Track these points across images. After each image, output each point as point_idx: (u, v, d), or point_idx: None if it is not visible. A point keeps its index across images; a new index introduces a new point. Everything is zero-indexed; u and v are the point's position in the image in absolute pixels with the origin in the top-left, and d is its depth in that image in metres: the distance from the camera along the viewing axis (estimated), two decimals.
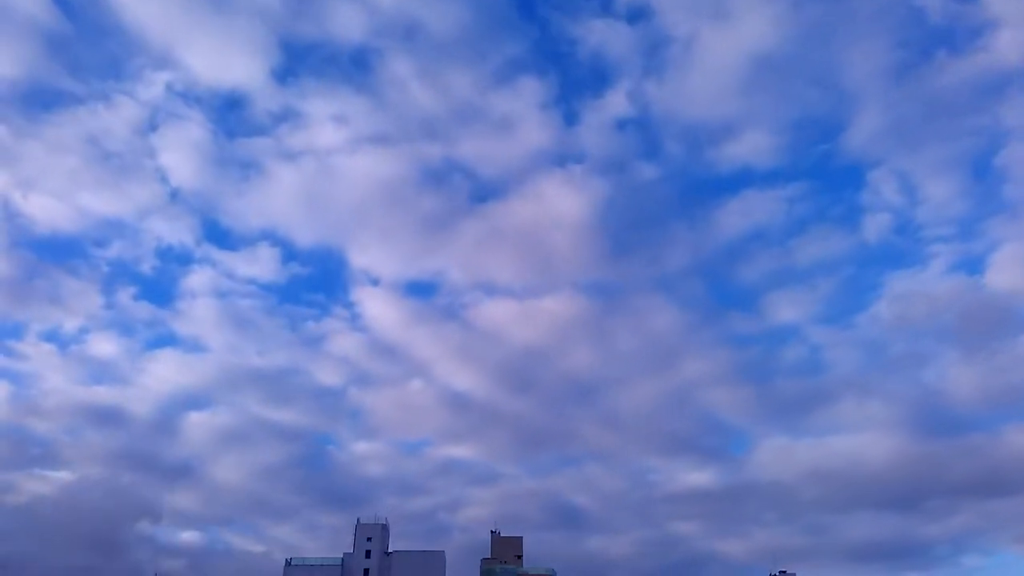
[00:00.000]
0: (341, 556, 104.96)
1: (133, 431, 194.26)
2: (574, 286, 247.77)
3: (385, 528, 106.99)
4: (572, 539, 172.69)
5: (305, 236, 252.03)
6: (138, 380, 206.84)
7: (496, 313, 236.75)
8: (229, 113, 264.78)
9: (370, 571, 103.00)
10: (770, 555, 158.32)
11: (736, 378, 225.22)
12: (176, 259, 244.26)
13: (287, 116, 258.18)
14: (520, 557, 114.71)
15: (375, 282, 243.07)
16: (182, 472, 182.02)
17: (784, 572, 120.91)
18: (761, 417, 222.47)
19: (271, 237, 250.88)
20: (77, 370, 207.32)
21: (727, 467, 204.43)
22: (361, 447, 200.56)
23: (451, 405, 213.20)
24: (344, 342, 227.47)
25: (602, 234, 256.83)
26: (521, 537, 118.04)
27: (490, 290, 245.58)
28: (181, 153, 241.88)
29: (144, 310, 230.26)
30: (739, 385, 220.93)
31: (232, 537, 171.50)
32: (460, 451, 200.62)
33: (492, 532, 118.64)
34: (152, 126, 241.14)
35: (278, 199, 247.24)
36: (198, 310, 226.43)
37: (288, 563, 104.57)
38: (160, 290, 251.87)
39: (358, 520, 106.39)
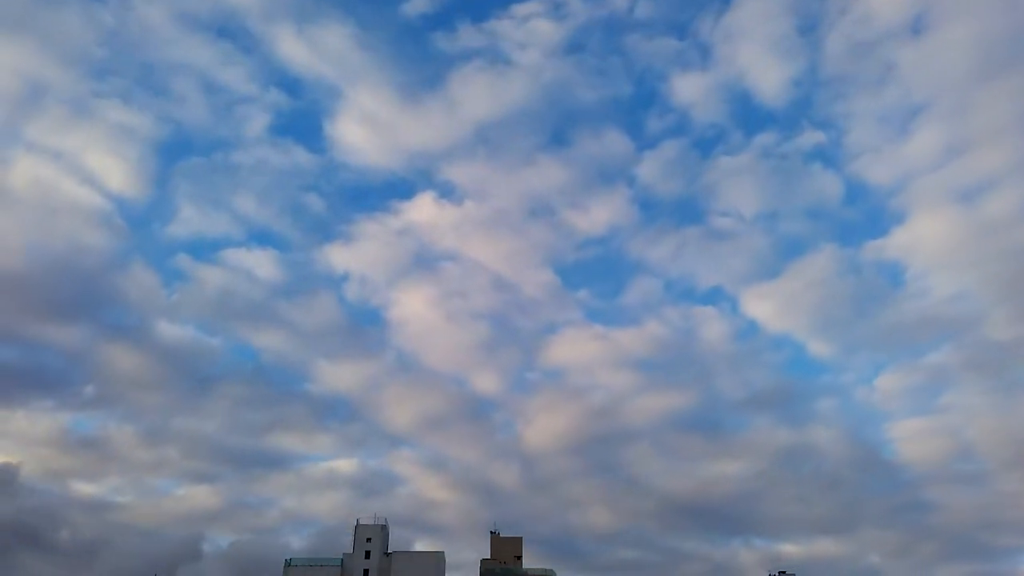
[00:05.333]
0: (341, 556, 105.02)
1: None
2: None
3: (385, 528, 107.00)
4: None
5: None
6: None
7: None
8: None
9: (370, 571, 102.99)
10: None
11: None
12: None
13: None
14: (519, 558, 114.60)
15: None
16: None
17: (784, 572, 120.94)
18: None
19: None
20: None
21: None
22: None
23: None
24: None
25: None
26: (521, 537, 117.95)
27: None
28: None
29: None
30: None
31: None
32: None
33: (492, 532, 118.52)
34: None
35: None
36: None
37: (288, 563, 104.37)
38: None
39: (357, 521, 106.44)
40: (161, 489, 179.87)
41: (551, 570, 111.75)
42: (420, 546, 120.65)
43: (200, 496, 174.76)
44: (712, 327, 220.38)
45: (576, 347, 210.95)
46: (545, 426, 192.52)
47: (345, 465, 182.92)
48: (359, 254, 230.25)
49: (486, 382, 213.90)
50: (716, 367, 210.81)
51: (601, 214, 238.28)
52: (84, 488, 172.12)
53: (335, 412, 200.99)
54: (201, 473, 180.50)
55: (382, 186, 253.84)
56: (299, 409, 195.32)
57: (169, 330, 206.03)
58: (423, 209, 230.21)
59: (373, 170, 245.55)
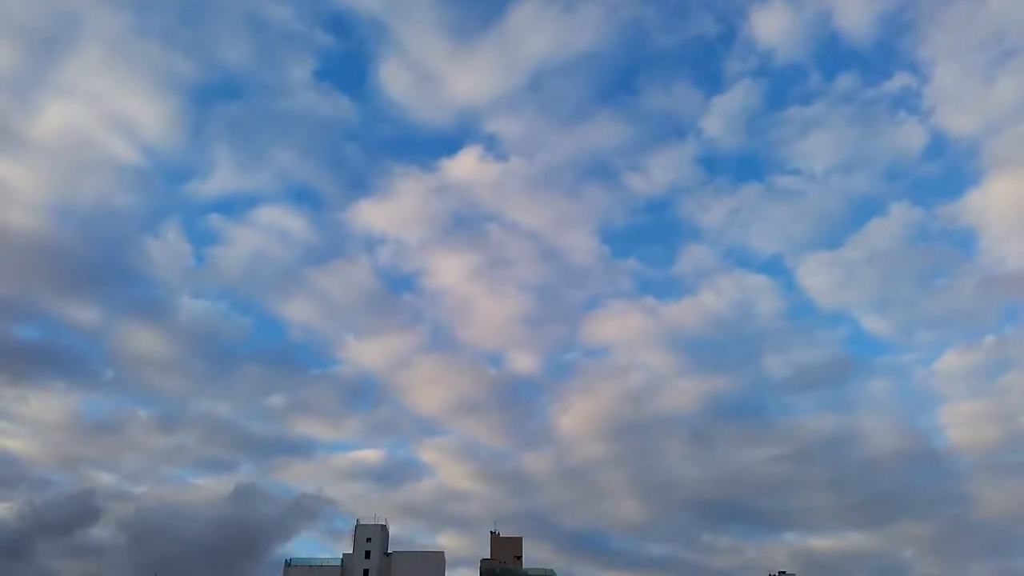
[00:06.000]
0: (341, 556, 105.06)
1: None
2: None
3: (385, 528, 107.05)
4: None
5: None
6: None
7: None
8: None
9: (370, 571, 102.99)
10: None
11: None
12: None
13: None
14: (519, 558, 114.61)
15: None
16: None
17: (784, 572, 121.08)
18: None
19: None
20: None
21: None
22: None
23: None
24: None
25: None
26: (520, 537, 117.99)
27: None
28: None
29: None
30: None
31: None
32: None
33: (492, 532, 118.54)
34: None
35: None
36: None
37: (288, 563, 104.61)
38: None
39: (357, 521, 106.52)
40: (177, 477, 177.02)
41: (551, 570, 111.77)
42: (441, 540, 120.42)
43: (218, 486, 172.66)
44: (765, 301, 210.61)
45: (620, 322, 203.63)
46: (580, 411, 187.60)
47: (371, 455, 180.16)
48: (396, 212, 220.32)
49: (524, 361, 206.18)
50: (765, 345, 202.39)
51: (661, 174, 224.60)
52: (99, 476, 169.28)
53: (362, 396, 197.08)
54: (220, 461, 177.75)
55: (426, 139, 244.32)
56: (325, 392, 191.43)
57: (193, 305, 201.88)
58: (466, 165, 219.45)
59: (417, 122, 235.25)
